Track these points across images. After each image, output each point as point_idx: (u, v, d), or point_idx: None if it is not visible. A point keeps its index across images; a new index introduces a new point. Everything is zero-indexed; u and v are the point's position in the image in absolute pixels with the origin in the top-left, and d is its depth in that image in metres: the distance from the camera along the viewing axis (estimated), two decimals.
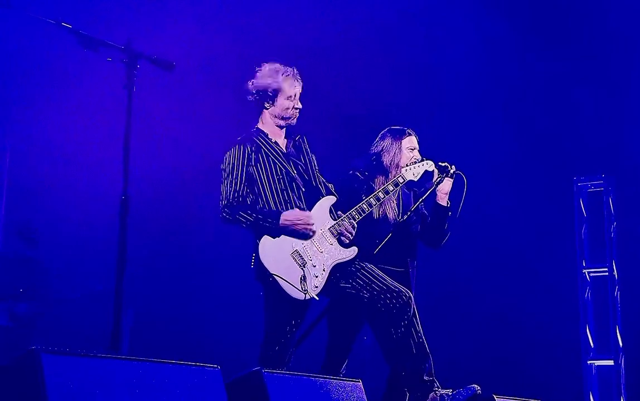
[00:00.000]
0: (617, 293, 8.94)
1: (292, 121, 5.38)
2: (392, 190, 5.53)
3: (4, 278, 7.70)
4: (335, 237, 5.19)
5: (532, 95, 9.25)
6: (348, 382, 4.65)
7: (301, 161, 5.38)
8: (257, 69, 5.41)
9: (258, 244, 5.10)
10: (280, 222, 5.06)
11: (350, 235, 5.23)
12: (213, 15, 8.54)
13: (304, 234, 5.11)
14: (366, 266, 5.26)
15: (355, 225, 5.25)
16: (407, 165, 5.64)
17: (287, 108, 5.33)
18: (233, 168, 5.21)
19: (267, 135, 5.34)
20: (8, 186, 8.61)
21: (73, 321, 7.90)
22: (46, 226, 8.12)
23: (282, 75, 5.32)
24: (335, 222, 5.22)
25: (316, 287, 5.08)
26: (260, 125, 5.41)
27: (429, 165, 5.70)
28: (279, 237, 5.08)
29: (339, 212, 5.29)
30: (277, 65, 5.38)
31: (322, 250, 5.14)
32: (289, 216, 5.08)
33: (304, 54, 8.73)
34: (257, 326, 7.38)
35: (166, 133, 8.59)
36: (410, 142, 5.94)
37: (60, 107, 8.28)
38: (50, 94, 8.28)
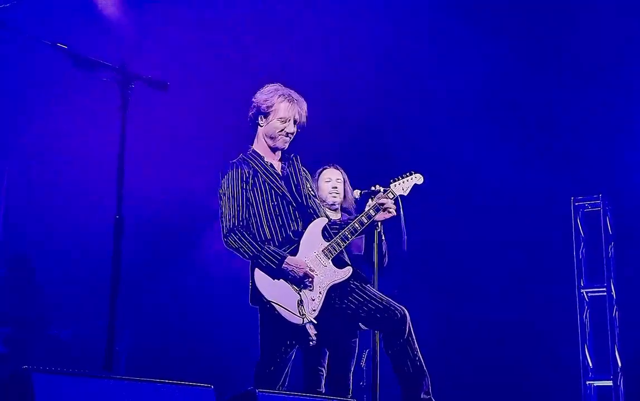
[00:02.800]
0: (615, 313, 8.96)
1: (282, 145, 5.36)
2: (383, 206, 5.40)
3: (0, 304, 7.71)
4: (329, 258, 5.16)
5: (530, 115, 9.29)
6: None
7: (295, 181, 5.37)
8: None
9: (254, 270, 5.08)
10: (282, 265, 5.03)
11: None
12: (207, 36, 8.59)
13: (304, 283, 5.05)
14: (361, 285, 5.24)
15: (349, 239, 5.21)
16: (395, 180, 5.59)
17: (277, 130, 5.32)
18: (232, 193, 5.20)
19: (262, 158, 5.34)
20: (5, 208, 8.62)
21: (69, 346, 7.89)
22: (41, 247, 8.13)
23: (279, 95, 5.32)
24: (329, 243, 5.19)
25: (314, 310, 5.04)
26: (255, 146, 5.42)
27: (418, 178, 5.66)
28: (277, 280, 5.04)
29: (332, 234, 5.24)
30: (278, 85, 5.39)
31: (317, 272, 5.12)
32: (293, 263, 5.04)
33: (300, 73, 8.80)
34: (250, 347, 7.39)
35: (160, 154, 8.62)
36: (327, 174, 6.07)
37: (55, 127, 8.31)
38: (46, 115, 8.32)
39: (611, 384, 8.72)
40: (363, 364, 7.92)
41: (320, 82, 8.76)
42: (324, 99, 8.95)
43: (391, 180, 5.62)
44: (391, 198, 5.44)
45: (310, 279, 5.04)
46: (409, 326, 5.17)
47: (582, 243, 9.19)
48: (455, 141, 9.22)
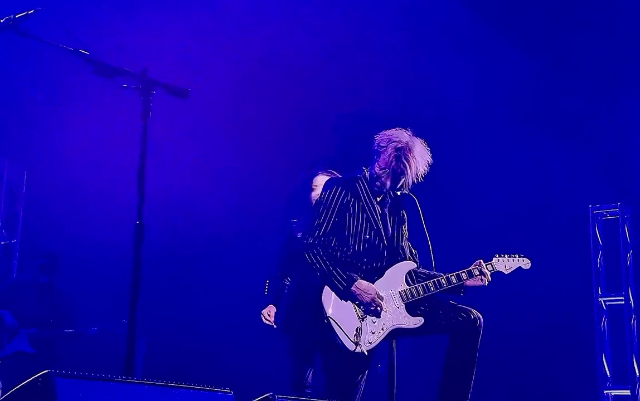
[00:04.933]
0: (633, 321, 8.90)
1: (387, 185, 5.24)
2: (478, 276, 5.47)
3: (26, 305, 7.78)
4: (404, 301, 5.13)
5: (548, 123, 9.27)
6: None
7: (392, 221, 5.31)
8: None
9: (324, 287, 5.05)
10: (351, 288, 5.00)
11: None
12: (228, 43, 8.63)
13: (371, 309, 5.02)
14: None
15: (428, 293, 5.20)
16: (501, 256, 5.58)
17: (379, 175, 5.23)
18: (330, 208, 5.15)
19: (369, 187, 5.26)
20: (25, 211, 8.69)
21: (92, 346, 7.94)
22: (62, 251, 8.19)
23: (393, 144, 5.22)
24: (408, 287, 5.16)
25: (370, 343, 5.01)
26: (368, 171, 5.32)
27: (526, 264, 5.66)
28: (345, 301, 5.03)
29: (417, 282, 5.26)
30: (413, 139, 5.28)
31: (387, 309, 5.08)
32: (363, 287, 5.01)
33: (321, 76, 8.85)
34: (269, 352, 7.42)
35: (181, 160, 8.66)
36: (315, 180, 6.09)
37: (76, 134, 8.38)
38: (67, 121, 8.38)
39: (629, 393, 8.67)
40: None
41: (346, 85, 8.81)
42: (347, 100, 9.01)
43: (497, 255, 5.62)
44: (490, 271, 5.46)
45: (377, 306, 5.00)
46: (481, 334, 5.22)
47: (600, 252, 9.14)
48: (473, 148, 9.22)
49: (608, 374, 8.85)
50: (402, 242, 5.30)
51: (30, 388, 3.20)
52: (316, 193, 6.05)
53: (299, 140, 8.97)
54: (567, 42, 8.97)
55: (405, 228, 5.38)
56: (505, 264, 5.58)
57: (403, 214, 5.41)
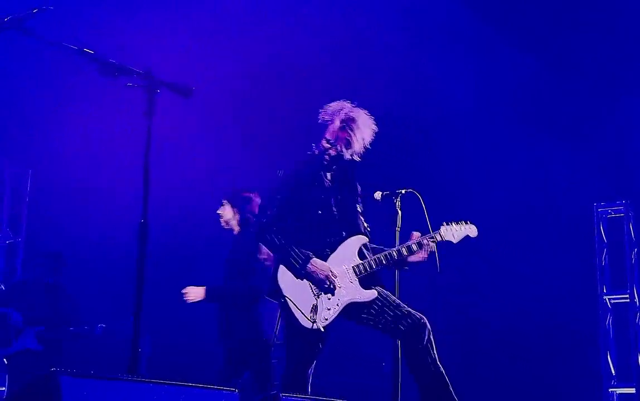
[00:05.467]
0: (638, 319, 8.89)
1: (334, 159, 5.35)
2: (426, 244, 5.42)
3: (32, 303, 7.80)
4: (357, 275, 5.17)
5: (552, 121, 9.27)
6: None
7: (344, 195, 5.38)
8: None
9: (279, 266, 5.14)
10: (307, 265, 5.07)
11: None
12: (229, 42, 8.64)
13: (325, 287, 5.08)
14: (381, 292, 5.21)
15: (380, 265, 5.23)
16: (448, 224, 5.55)
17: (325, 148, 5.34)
18: (282, 192, 5.28)
19: (319, 165, 5.36)
20: (28, 211, 8.70)
21: (97, 345, 7.94)
22: (66, 250, 8.20)
23: (337, 116, 5.34)
24: (361, 262, 5.20)
25: (325, 319, 5.07)
26: (318, 150, 5.41)
27: (472, 231, 5.63)
28: (301, 280, 5.10)
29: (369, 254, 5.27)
30: (346, 106, 5.38)
31: (342, 285, 5.13)
32: (317, 265, 5.08)
33: (325, 75, 8.84)
34: (275, 352, 7.39)
35: (185, 158, 8.67)
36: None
37: (80, 133, 8.38)
38: (71, 120, 8.38)
39: (634, 391, 8.66)
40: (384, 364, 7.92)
41: (347, 85, 8.79)
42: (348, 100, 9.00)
43: (445, 223, 5.58)
44: (438, 241, 5.41)
45: (331, 284, 5.05)
46: (429, 333, 5.16)
47: (605, 250, 9.14)
48: (475, 147, 9.22)
49: (613, 372, 8.84)
50: (354, 216, 5.36)
51: (36, 386, 3.20)
52: None
53: (299, 139, 8.97)
54: (568, 41, 8.96)
55: (359, 204, 5.44)
56: (454, 233, 5.51)
57: (356, 187, 5.47)
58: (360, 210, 5.44)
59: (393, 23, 8.93)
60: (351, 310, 5.15)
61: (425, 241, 5.36)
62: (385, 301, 5.17)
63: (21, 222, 9.07)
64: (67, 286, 8.09)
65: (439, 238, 5.43)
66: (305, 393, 5.15)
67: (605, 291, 9.05)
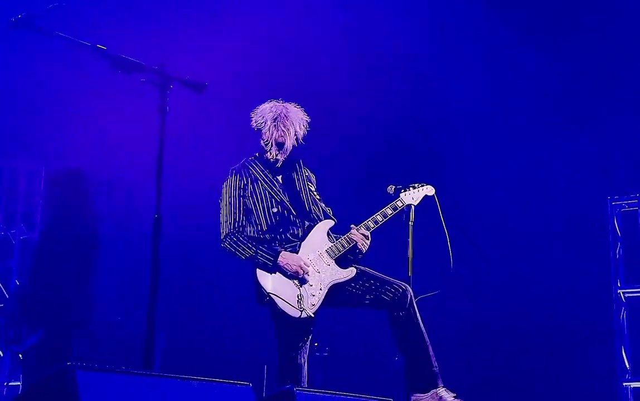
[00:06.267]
0: None
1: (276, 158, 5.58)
2: (391, 214, 5.67)
3: (39, 298, 7.84)
4: (332, 257, 5.38)
5: (567, 114, 9.22)
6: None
7: (296, 188, 5.59)
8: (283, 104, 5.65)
9: (256, 270, 5.33)
10: (277, 260, 5.27)
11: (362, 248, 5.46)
12: (245, 37, 8.65)
13: (299, 276, 5.28)
14: (359, 268, 5.42)
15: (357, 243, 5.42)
16: (405, 189, 5.77)
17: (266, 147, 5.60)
18: (229, 199, 5.51)
19: (263, 165, 5.59)
20: (43, 206, 8.73)
21: (107, 339, 7.98)
22: (79, 246, 8.22)
23: (268, 119, 5.56)
24: (333, 244, 5.41)
25: (313, 305, 5.26)
26: (259, 152, 5.67)
27: (429, 190, 5.83)
28: (274, 273, 5.29)
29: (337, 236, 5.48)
30: (272, 105, 5.61)
31: (320, 270, 5.35)
32: (286, 256, 5.29)
33: (336, 76, 8.85)
34: None
35: (199, 154, 8.69)
36: None
37: (94, 128, 8.41)
38: (84, 116, 8.41)
39: None
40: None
41: (359, 85, 8.82)
42: (364, 99, 9.01)
43: (402, 189, 5.78)
44: (400, 207, 5.67)
45: (305, 272, 5.25)
46: (411, 299, 5.32)
47: (619, 244, 9.09)
48: (489, 140, 9.19)
49: (627, 366, 8.81)
50: (312, 205, 5.56)
51: (52, 381, 3.23)
52: None
53: (309, 135, 8.99)
54: (581, 31, 8.93)
55: (314, 190, 5.65)
56: (413, 196, 5.76)
57: (307, 176, 5.69)
58: (318, 197, 5.64)
59: (406, 23, 8.93)
60: (336, 291, 5.35)
61: (389, 210, 5.60)
62: (365, 276, 5.39)
63: (35, 218, 9.11)
64: (80, 280, 8.12)
65: (400, 205, 5.68)
66: (300, 381, 5.33)
67: (619, 285, 9.01)
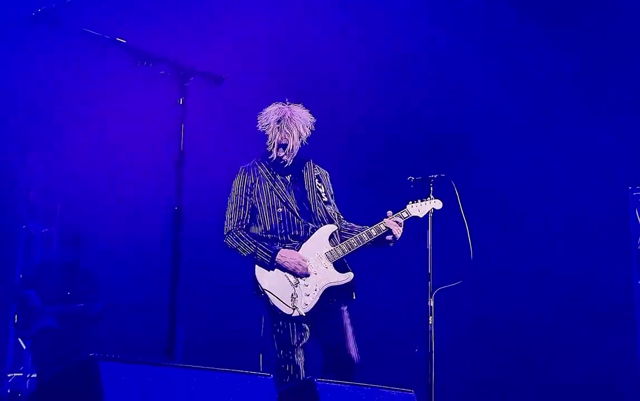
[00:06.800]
0: None
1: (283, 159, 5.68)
2: (396, 223, 5.68)
3: (53, 282, 7.88)
4: (330, 260, 5.50)
5: (586, 102, 9.16)
6: (401, 393, 4.69)
7: (303, 189, 5.70)
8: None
9: (255, 266, 5.51)
10: (275, 259, 5.43)
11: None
12: (264, 29, 8.65)
13: (298, 273, 5.44)
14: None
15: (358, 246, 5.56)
16: (414, 202, 5.82)
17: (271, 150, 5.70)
18: (236, 196, 5.66)
19: (271, 165, 5.70)
20: (62, 196, 8.77)
21: (121, 326, 8.02)
22: (100, 237, 8.27)
23: (271, 122, 5.69)
24: (333, 247, 5.53)
25: (306, 305, 5.40)
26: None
27: (437, 204, 5.88)
28: (273, 270, 5.45)
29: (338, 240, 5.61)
30: (277, 107, 5.71)
31: (317, 272, 5.47)
32: (285, 254, 5.44)
33: (357, 68, 8.84)
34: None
35: (218, 146, 8.71)
36: None
37: (114, 121, 8.43)
38: (104, 108, 8.44)
39: None
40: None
41: (382, 80, 8.81)
42: (385, 93, 9.00)
43: (410, 201, 5.84)
44: (405, 218, 5.71)
45: (304, 268, 5.40)
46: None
47: None
48: (507, 131, 9.14)
49: None
50: (318, 207, 5.65)
51: (74, 372, 3.25)
52: None
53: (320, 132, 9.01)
54: (604, 18, 8.87)
55: (322, 193, 5.72)
56: (419, 208, 5.82)
57: (317, 176, 5.78)
58: (326, 199, 5.72)
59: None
60: (331, 293, 5.47)
61: (393, 220, 5.64)
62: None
63: (54, 212, 9.17)
64: (89, 266, 8.14)
65: (405, 216, 5.73)
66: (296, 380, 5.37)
67: None
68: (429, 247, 5.88)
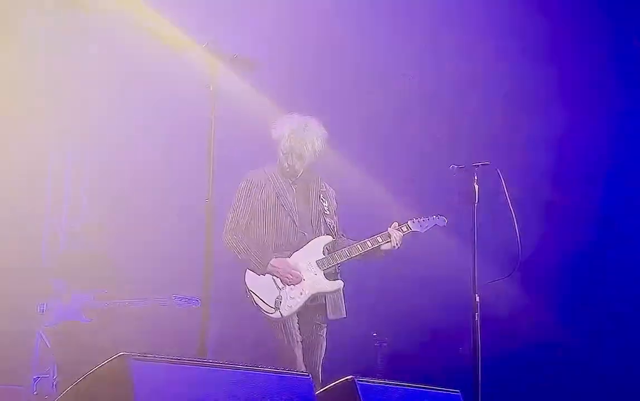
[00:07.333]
0: None
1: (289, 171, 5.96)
2: (394, 236, 5.95)
3: (81, 274, 7.93)
4: (321, 268, 5.77)
5: (625, 87, 8.99)
6: (446, 393, 4.67)
7: (308, 202, 5.96)
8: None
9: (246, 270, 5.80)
10: (267, 267, 5.70)
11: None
12: (297, 14, 8.64)
13: (287, 283, 5.72)
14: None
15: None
16: (416, 218, 6.05)
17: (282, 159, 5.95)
18: (243, 197, 5.90)
19: (280, 174, 5.96)
20: (92, 188, 8.81)
21: (150, 322, 8.03)
22: (130, 228, 8.31)
23: (286, 130, 5.93)
24: (324, 256, 5.80)
25: (289, 307, 5.67)
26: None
27: (441, 221, 6.13)
28: (264, 276, 5.72)
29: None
30: (292, 118, 5.96)
31: (305, 277, 5.74)
32: (277, 264, 5.71)
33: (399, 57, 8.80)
34: (348, 334, 7.43)
35: (250, 135, 8.69)
36: None
37: (143, 108, 8.46)
38: (133, 95, 8.47)
39: None
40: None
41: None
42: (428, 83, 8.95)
43: (414, 218, 6.06)
44: (405, 232, 5.96)
45: (293, 278, 5.69)
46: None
47: None
48: (546, 122, 9.00)
49: None
50: (318, 221, 5.93)
51: (106, 371, 3.26)
52: None
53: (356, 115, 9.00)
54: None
55: (325, 207, 5.98)
56: (421, 224, 6.06)
57: (324, 192, 6.04)
58: (327, 213, 5.98)
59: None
60: (319, 301, 5.79)
61: (393, 233, 5.89)
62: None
63: (82, 205, 9.22)
64: (118, 258, 8.18)
65: (405, 229, 5.98)
66: None
67: None
68: (474, 239, 5.79)
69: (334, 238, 5.94)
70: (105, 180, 8.65)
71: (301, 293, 5.69)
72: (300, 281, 5.70)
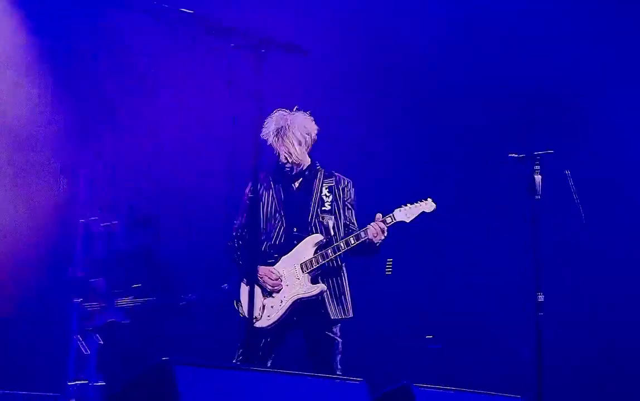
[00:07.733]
0: None
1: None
2: (377, 231, 5.78)
3: (120, 274, 7.92)
4: (304, 271, 5.73)
5: None
6: (506, 398, 4.61)
7: (309, 196, 5.92)
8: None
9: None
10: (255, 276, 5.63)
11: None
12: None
13: (268, 291, 5.74)
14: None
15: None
16: (401, 207, 5.85)
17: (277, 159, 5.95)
18: (244, 201, 5.84)
19: (279, 172, 5.96)
20: (130, 185, 8.84)
21: (192, 324, 8.04)
22: (171, 226, 8.31)
23: (269, 131, 5.88)
24: (308, 258, 5.74)
25: (268, 317, 5.69)
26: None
27: (429, 207, 5.87)
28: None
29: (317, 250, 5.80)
30: (278, 115, 5.92)
31: (288, 283, 5.73)
32: (260, 272, 5.72)
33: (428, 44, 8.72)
34: (399, 338, 7.38)
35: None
36: None
37: (184, 100, 8.47)
38: (174, 86, 8.48)
39: None
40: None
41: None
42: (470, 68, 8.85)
43: (400, 206, 5.84)
44: (389, 223, 5.78)
45: (274, 287, 5.71)
46: None
47: None
48: (566, 117, 8.83)
49: None
50: (315, 217, 5.87)
51: (149, 377, 3.21)
52: None
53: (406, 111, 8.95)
54: None
55: (326, 202, 5.92)
56: (407, 212, 5.85)
57: (327, 189, 5.96)
58: (328, 209, 5.90)
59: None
60: (299, 306, 5.72)
61: (376, 226, 5.72)
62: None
63: (119, 203, 9.24)
64: (163, 254, 8.18)
65: (389, 221, 5.78)
66: None
67: None
68: (537, 236, 5.67)
69: (330, 235, 5.84)
70: (144, 176, 8.66)
71: (281, 301, 5.71)
72: (280, 289, 5.72)
